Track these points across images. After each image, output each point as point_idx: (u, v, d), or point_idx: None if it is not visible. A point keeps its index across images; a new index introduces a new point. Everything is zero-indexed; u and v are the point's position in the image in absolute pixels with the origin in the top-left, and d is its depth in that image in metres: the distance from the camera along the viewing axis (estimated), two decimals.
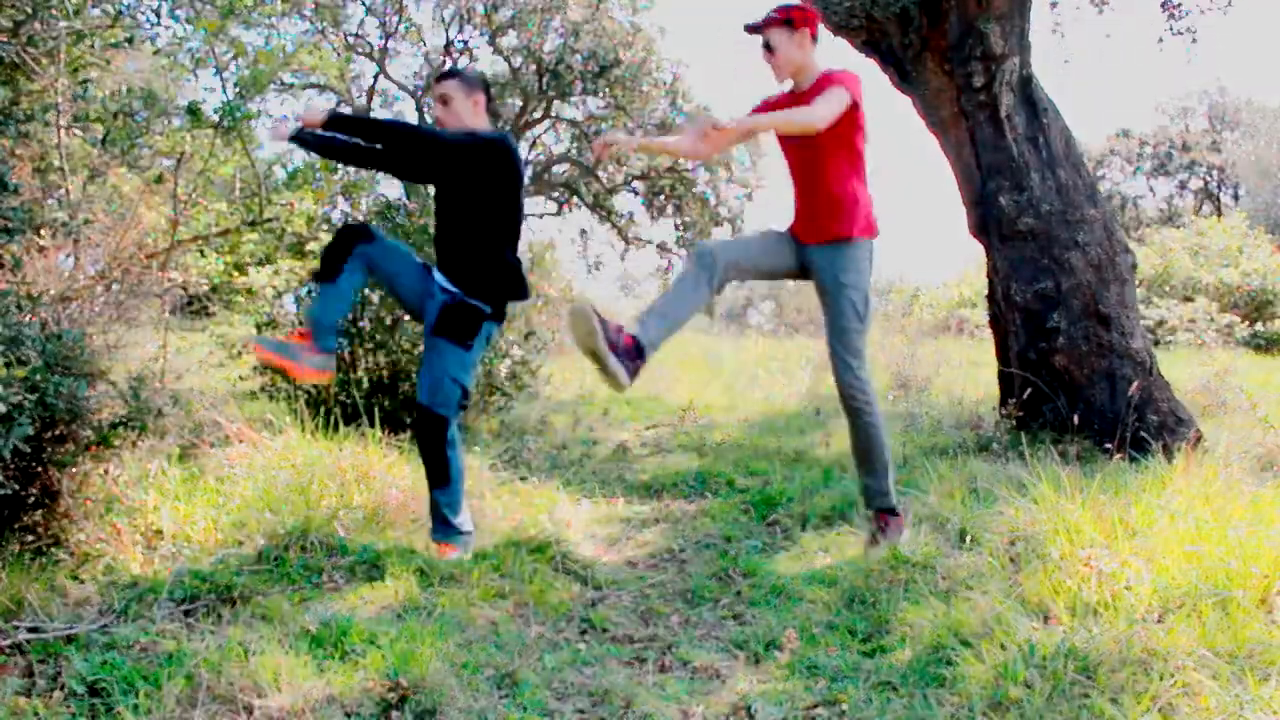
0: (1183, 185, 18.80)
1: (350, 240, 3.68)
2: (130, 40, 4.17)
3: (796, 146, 3.75)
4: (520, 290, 3.87)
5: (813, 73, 3.76)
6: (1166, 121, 19.30)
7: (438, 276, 3.78)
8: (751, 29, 3.82)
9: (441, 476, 3.73)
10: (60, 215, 3.80)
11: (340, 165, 5.52)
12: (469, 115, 3.82)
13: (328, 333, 3.68)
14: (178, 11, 4.43)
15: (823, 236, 3.70)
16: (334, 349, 3.73)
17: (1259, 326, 11.07)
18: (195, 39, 4.53)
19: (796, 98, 3.74)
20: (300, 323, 3.72)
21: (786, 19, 3.75)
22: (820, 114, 3.48)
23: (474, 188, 3.73)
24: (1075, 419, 4.74)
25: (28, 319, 2.96)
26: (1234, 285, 11.89)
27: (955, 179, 5.50)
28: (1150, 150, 18.91)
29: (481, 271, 3.77)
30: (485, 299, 3.76)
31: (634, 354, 3.36)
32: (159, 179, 4.63)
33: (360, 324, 5.88)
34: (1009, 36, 5.13)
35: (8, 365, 2.71)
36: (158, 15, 4.28)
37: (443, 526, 3.73)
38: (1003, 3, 5.10)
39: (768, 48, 3.76)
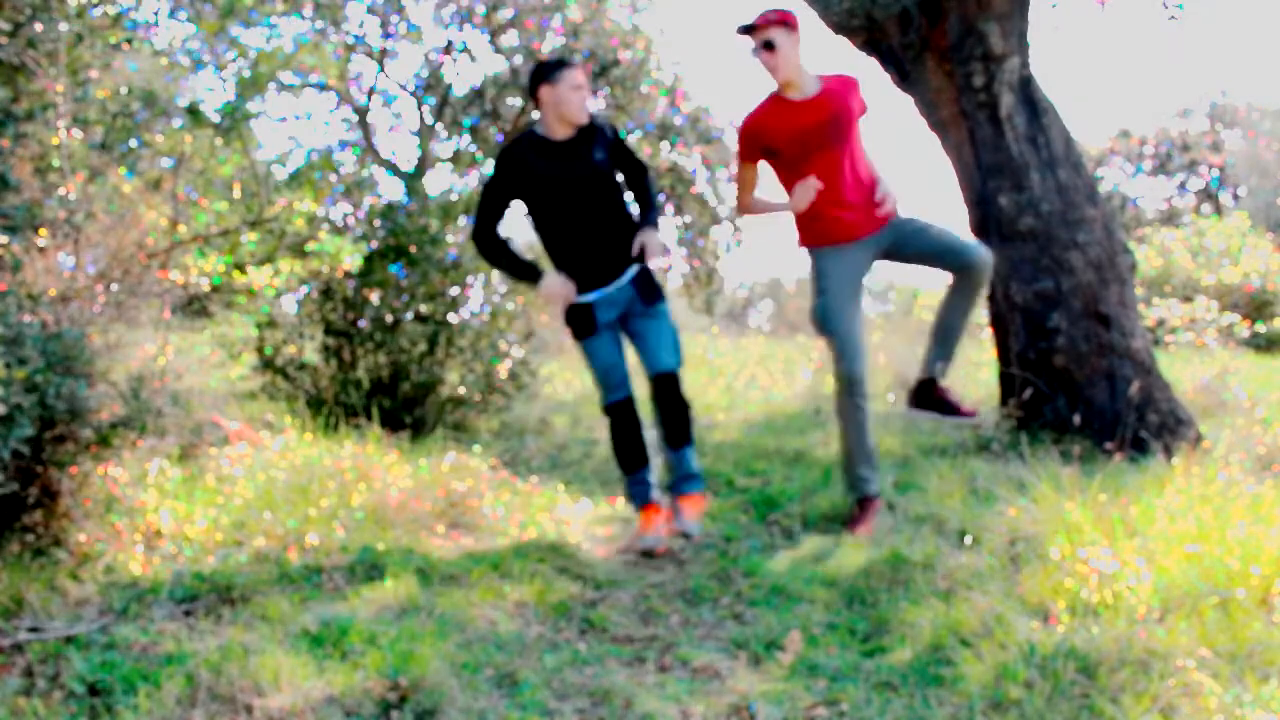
0: (1183, 185, 18.81)
1: (631, 418, 4.01)
2: (130, 41, 4.17)
3: (829, 149, 3.90)
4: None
5: (809, 78, 3.93)
6: (1166, 122, 19.28)
7: (598, 295, 3.95)
8: (747, 29, 3.88)
9: (689, 432, 4.04)
10: (60, 213, 3.80)
11: (341, 167, 5.54)
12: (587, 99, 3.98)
13: (645, 484, 4.03)
14: (179, 9, 4.43)
15: (878, 224, 3.96)
16: (651, 489, 4.05)
17: (1260, 327, 11.06)
18: (196, 39, 4.54)
19: (808, 106, 3.90)
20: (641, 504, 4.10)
21: (784, 20, 3.83)
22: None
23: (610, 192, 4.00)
24: (1075, 419, 4.74)
25: (27, 319, 2.96)
26: (1234, 285, 11.88)
27: (956, 179, 5.50)
28: (1150, 150, 18.91)
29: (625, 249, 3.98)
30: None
31: (865, 514, 3.98)
32: (157, 183, 4.64)
33: (360, 324, 5.88)
34: (1009, 36, 5.13)
35: (8, 366, 2.71)
36: (156, 16, 4.29)
37: (691, 477, 4.03)
38: (1003, 3, 5.10)
39: (768, 46, 3.83)
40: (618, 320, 4.01)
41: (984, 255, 3.98)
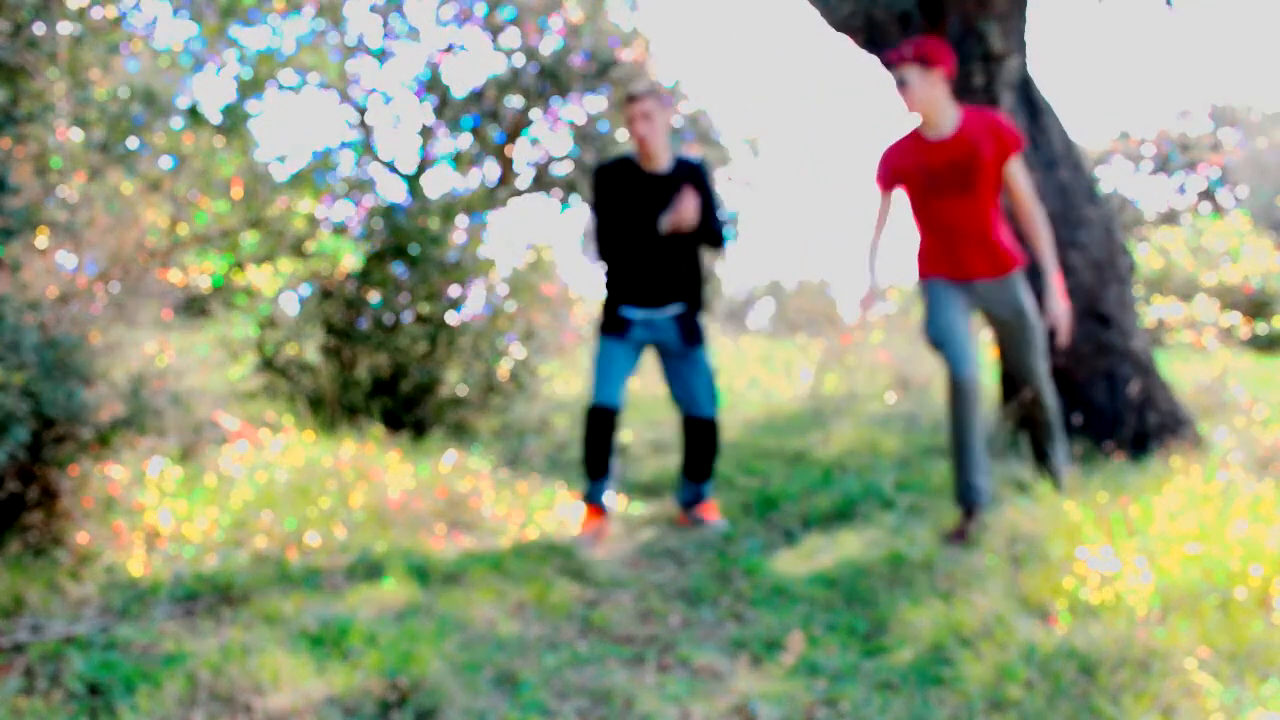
0: (1182, 186, 18.80)
1: (608, 427, 4.14)
2: (130, 40, 4.17)
3: (955, 194, 3.84)
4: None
5: (949, 115, 3.84)
6: (1166, 122, 19.28)
7: (640, 313, 4.20)
8: (887, 63, 3.87)
9: (711, 469, 4.36)
10: (60, 214, 3.79)
11: (339, 165, 5.58)
12: (666, 129, 4.21)
13: (600, 489, 4.20)
14: (180, 10, 4.44)
15: (991, 273, 3.90)
16: (603, 494, 4.23)
17: (1260, 327, 11.04)
18: (196, 40, 4.54)
19: (940, 146, 3.82)
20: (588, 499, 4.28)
21: (919, 56, 3.77)
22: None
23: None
24: (1075, 419, 4.74)
25: (25, 320, 2.96)
26: (1234, 285, 11.87)
27: None
28: (1150, 151, 18.91)
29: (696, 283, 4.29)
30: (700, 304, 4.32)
31: (966, 527, 3.70)
32: (156, 186, 4.64)
33: (360, 324, 5.88)
34: (1009, 36, 5.13)
35: (5, 371, 2.71)
36: (156, 18, 4.29)
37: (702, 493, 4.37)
38: (1003, 3, 5.10)
39: (902, 84, 3.79)
40: (648, 345, 4.26)
41: (1046, 392, 4.08)
